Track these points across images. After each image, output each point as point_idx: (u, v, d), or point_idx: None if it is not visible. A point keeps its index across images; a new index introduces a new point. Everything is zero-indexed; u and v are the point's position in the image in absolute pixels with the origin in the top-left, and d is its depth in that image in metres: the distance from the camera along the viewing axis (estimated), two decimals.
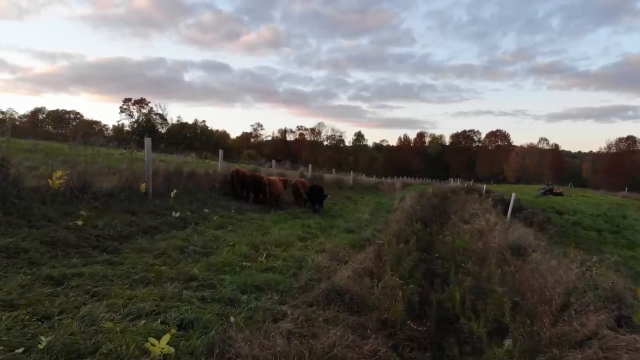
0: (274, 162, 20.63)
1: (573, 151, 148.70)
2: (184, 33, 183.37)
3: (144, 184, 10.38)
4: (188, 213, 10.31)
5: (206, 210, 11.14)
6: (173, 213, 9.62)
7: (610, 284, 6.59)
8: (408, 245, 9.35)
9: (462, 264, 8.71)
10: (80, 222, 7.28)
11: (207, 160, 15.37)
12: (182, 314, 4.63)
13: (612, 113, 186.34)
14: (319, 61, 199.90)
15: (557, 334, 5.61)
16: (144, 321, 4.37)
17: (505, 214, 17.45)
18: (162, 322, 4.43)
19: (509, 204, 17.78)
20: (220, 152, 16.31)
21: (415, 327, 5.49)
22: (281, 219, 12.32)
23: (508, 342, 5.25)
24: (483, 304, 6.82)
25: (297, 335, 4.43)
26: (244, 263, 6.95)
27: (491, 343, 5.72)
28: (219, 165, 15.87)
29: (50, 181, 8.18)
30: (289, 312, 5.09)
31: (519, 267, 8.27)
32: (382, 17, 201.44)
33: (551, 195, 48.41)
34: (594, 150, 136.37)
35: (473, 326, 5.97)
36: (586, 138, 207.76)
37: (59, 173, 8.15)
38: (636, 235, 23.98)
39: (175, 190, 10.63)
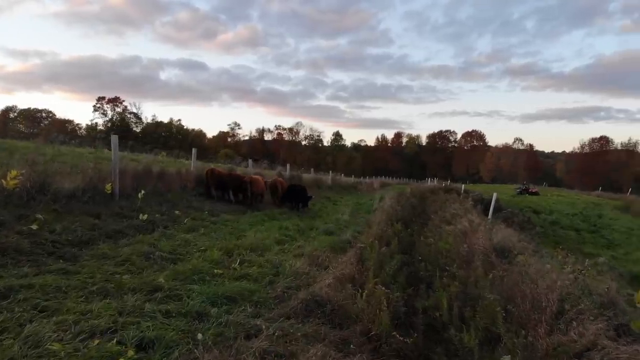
0: (250, 161, 19.99)
1: (547, 151, 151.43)
2: (159, 31, 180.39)
3: (110, 184, 9.70)
4: (157, 215, 9.67)
5: (177, 212, 10.51)
6: (140, 215, 8.98)
7: (606, 290, 6.25)
8: (390, 247, 8.93)
9: (447, 267, 8.31)
10: (35, 227, 6.62)
11: (180, 160, 14.63)
12: (142, 332, 4.10)
13: (584, 114, 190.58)
14: (297, 61, 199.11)
15: (554, 345, 5.22)
16: (97, 341, 3.82)
17: (486, 213, 17.23)
18: (118, 342, 3.89)
19: (489, 203, 17.57)
20: (194, 150, 15.62)
21: (401, 338, 5.03)
22: (258, 220, 11.76)
23: (507, 359, 4.82)
24: (471, 311, 6.40)
25: (273, 355, 3.93)
26: (215, 270, 6.39)
27: (483, 354, 5.31)
28: (192, 164, 15.20)
29: (4, 181, 7.47)
30: (263, 326, 4.57)
31: (506, 270, 7.89)
32: (361, 17, 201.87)
33: (527, 195, 48.66)
34: (567, 151, 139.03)
35: (464, 337, 5.54)
36: (559, 138, 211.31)
37: (13, 173, 7.44)
38: (614, 235, 24.06)
39: (143, 191, 9.98)
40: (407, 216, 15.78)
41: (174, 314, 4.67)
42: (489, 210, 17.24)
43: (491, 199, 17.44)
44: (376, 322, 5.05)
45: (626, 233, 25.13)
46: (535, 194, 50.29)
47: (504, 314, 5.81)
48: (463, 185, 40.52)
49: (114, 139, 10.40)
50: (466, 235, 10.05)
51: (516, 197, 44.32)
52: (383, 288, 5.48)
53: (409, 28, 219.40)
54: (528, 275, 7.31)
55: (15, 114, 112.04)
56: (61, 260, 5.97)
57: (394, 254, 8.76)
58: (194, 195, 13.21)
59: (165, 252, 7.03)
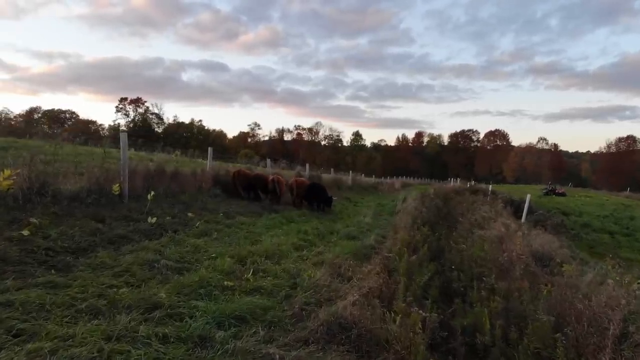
0: (268, 161, 19.28)
1: (570, 151, 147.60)
2: (181, 33, 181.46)
3: (118, 184, 9.08)
4: (168, 218, 9.01)
5: (190, 214, 9.85)
6: (149, 218, 8.35)
7: None
8: (418, 255, 8.12)
9: (483, 277, 7.46)
10: (26, 232, 5.99)
11: (194, 160, 14.05)
12: None
13: (609, 113, 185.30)
14: (317, 61, 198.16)
15: None
16: None
17: (517, 215, 16.26)
18: None
19: (519, 205, 16.62)
20: (210, 149, 14.98)
21: None
22: (275, 223, 11.04)
23: None
24: (517, 331, 5.57)
25: None
26: (225, 282, 5.66)
27: None
28: (208, 164, 14.57)
29: None
30: (277, 356, 3.83)
31: (553, 283, 7.01)
32: (381, 16, 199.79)
33: (554, 196, 47.32)
34: (592, 150, 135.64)
35: None
36: (583, 138, 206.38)
37: (7, 172, 6.84)
38: None
39: (153, 192, 9.33)
40: (433, 219, 14.92)
41: (172, 339, 3.95)
42: (519, 212, 16.28)
43: (520, 200, 16.48)
44: (411, 349, 4.26)
45: None
46: (562, 194, 48.95)
47: (563, 340, 4.95)
48: (490, 186, 39.34)
49: (123, 136, 9.79)
50: (502, 241, 9.17)
51: (543, 198, 42.98)
52: (417, 309, 4.66)
53: (430, 27, 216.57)
54: (579, 289, 6.43)
55: (39, 115, 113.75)
56: (53, 271, 5.30)
57: (423, 262, 7.96)
58: (209, 197, 12.56)
59: (171, 260, 6.34)
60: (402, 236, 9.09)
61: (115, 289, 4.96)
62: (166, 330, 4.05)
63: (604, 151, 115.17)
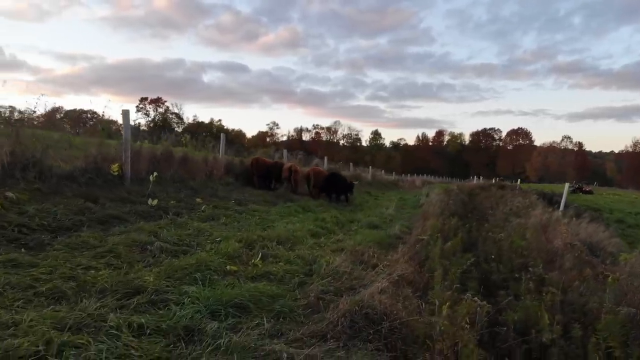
0: (285, 151, 18.34)
1: (594, 151, 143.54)
2: (202, 34, 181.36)
3: (117, 164, 8.28)
4: (172, 202, 8.18)
5: (198, 200, 9.00)
6: (150, 201, 7.51)
7: None
8: (452, 243, 7.11)
9: (529, 268, 6.42)
10: None
11: (204, 151, 13.21)
12: None
13: (633, 112, 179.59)
14: (337, 61, 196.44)
15: None
16: None
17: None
18: None
19: (551, 198, 15.43)
20: (222, 136, 14.14)
21: None
22: (290, 212, 10.12)
23: None
24: (581, 327, 4.54)
25: None
26: (228, 267, 4.75)
27: None
28: (221, 151, 13.71)
29: None
30: (285, 354, 2.90)
31: (611, 272, 5.94)
32: (401, 16, 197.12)
33: (581, 193, 45.71)
34: (616, 150, 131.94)
35: None
36: (607, 138, 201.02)
37: None
38: None
39: (155, 173, 8.49)
40: (461, 211, 13.87)
41: (149, 331, 3.05)
42: (552, 204, 15.10)
43: (552, 193, 15.29)
44: (458, 348, 3.28)
45: None
46: (590, 192, 47.55)
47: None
48: (519, 180, 38.09)
49: (125, 113, 8.98)
50: (545, 229, 8.09)
51: (570, 196, 41.30)
52: (471, 296, 3.66)
53: (450, 26, 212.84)
54: None
55: (61, 115, 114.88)
56: (23, 250, 4.47)
57: (456, 251, 6.96)
58: (221, 184, 11.71)
59: (167, 242, 5.47)
60: (432, 223, 8.08)
61: (93, 271, 4.08)
62: (143, 320, 3.15)
63: (630, 150, 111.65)
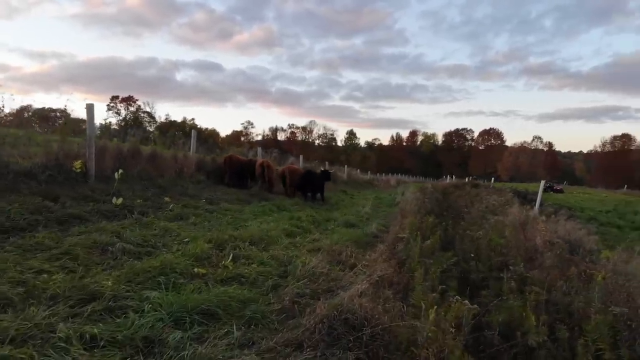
0: (259, 149, 17.93)
1: (563, 151, 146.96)
2: (176, 32, 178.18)
3: (80, 161, 7.81)
4: (138, 201, 7.75)
5: (166, 198, 8.59)
6: (114, 199, 7.08)
7: None
8: (432, 241, 6.90)
9: (510, 266, 6.26)
10: None
11: (176, 149, 12.75)
12: None
13: (602, 113, 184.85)
14: (312, 61, 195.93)
15: None
16: None
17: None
18: None
19: (525, 195, 15.47)
20: (193, 132, 13.68)
21: None
22: (264, 211, 9.78)
23: None
24: (567, 328, 4.37)
25: None
26: (196, 269, 4.42)
27: None
28: (192, 148, 13.25)
29: None
30: None
31: (594, 270, 5.82)
32: (376, 16, 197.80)
33: (552, 192, 46.55)
34: (584, 151, 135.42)
35: None
36: (576, 138, 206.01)
37: None
38: None
39: (121, 170, 8.04)
40: (436, 209, 13.75)
41: (102, 342, 2.71)
42: (527, 202, 15.13)
43: (526, 192, 15.34)
44: (445, 353, 3.02)
45: None
46: (560, 191, 48.51)
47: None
48: (493, 179, 38.56)
49: (90, 108, 8.50)
50: (524, 227, 7.96)
51: (542, 194, 42.01)
52: (459, 298, 3.42)
53: (424, 27, 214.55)
54: (634, 277, 5.26)
55: (30, 114, 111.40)
56: None
57: (435, 250, 6.76)
58: (191, 182, 11.28)
59: (131, 243, 5.09)
60: (411, 220, 7.86)
61: (45, 275, 3.69)
62: (96, 330, 2.81)
63: (599, 150, 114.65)
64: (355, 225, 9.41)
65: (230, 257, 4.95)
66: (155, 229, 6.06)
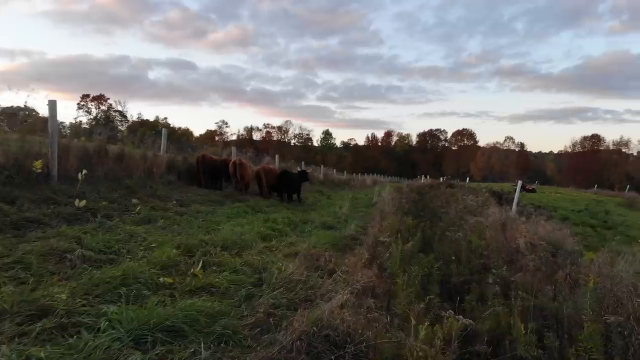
0: (234, 149, 17.47)
1: (534, 151, 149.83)
2: (149, 30, 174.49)
3: (40, 161, 7.32)
4: (104, 203, 7.32)
5: (134, 200, 8.16)
6: (77, 201, 6.63)
7: None
8: (412, 244, 6.67)
9: (493, 270, 6.08)
10: None
11: (145, 148, 12.23)
12: None
13: (572, 114, 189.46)
14: (288, 61, 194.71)
15: None
16: None
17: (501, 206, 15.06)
18: None
19: (501, 196, 15.47)
20: (164, 131, 13.18)
21: None
22: (238, 212, 9.43)
23: None
24: (554, 336, 4.17)
25: None
26: (162, 279, 4.06)
27: None
28: (162, 146, 12.76)
29: None
30: None
31: (578, 273, 5.66)
32: (351, 17, 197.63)
33: (524, 192, 47.14)
34: (554, 151, 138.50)
35: None
36: (547, 139, 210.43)
37: None
38: (632, 231, 22.05)
39: (85, 170, 7.58)
40: (413, 210, 13.60)
41: None
42: (503, 203, 15.12)
43: (502, 192, 15.34)
44: None
45: None
46: (533, 191, 49.06)
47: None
48: (467, 179, 38.87)
49: (51, 104, 8.01)
50: (504, 228, 7.81)
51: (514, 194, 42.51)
52: (452, 312, 3.16)
53: (399, 29, 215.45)
54: (622, 281, 5.11)
55: None
56: None
57: (415, 252, 6.54)
58: (162, 183, 10.83)
59: (92, 250, 4.70)
60: (391, 222, 7.63)
61: None
62: (43, 354, 2.45)
63: (569, 150, 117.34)
64: (333, 227, 9.14)
65: (200, 265, 4.60)
66: (119, 234, 5.65)
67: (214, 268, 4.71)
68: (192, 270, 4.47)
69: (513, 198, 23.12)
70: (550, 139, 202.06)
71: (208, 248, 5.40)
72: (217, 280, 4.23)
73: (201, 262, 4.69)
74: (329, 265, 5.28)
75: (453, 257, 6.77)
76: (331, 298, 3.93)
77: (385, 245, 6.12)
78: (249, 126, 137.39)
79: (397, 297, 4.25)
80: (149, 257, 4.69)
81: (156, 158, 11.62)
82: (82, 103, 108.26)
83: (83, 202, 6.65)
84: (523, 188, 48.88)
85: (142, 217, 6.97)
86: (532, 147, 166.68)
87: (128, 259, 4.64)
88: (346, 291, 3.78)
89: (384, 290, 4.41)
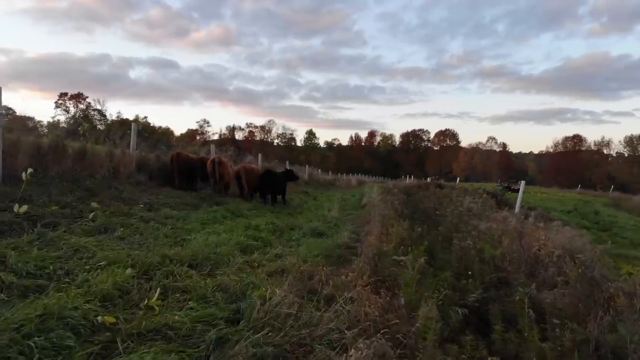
0: (213, 146, 16.18)
1: (514, 152, 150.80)
2: (130, 29, 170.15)
3: None
4: (53, 207, 6.13)
5: (94, 204, 6.96)
6: (16, 207, 5.44)
7: None
8: (423, 259, 5.63)
9: (519, 288, 5.06)
10: None
11: (112, 146, 10.99)
12: None
13: (552, 115, 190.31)
14: (271, 60, 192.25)
15: None
16: None
17: (498, 207, 14.17)
18: None
19: (494, 196, 14.56)
20: (133, 126, 11.90)
21: None
22: (215, 217, 8.26)
23: None
24: None
25: None
26: (99, 318, 2.94)
27: None
28: (131, 144, 11.49)
29: None
30: None
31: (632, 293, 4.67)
32: (335, 17, 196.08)
33: (509, 192, 46.78)
34: (535, 151, 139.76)
35: None
36: (527, 139, 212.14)
37: None
38: (627, 233, 21.48)
39: (30, 170, 6.34)
40: (407, 213, 12.61)
41: None
42: (501, 205, 14.23)
43: (495, 192, 14.43)
44: None
45: (636, 230, 22.70)
46: (517, 191, 48.58)
47: None
48: (458, 179, 38.37)
49: None
50: (522, 236, 6.81)
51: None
52: None
53: (382, 29, 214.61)
54: None
55: None
56: None
57: (426, 268, 5.49)
58: (129, 184, 9.61)
59: (17, 273, 3.55)
60: (396, 230, 6.55)
61: None
62: None
63: (551, 151, 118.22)
64: (324, 233, 8.06)
65: (158, 292, 3.47)
66: (62, 248, 4.49)
67: (177, 296, 3.61)
68: (146, 300, 3.35)
69: (507, 199, 22.42)
70: (530, 139, 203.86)
71: (172, 267, 4.26)
72: (177, 317, 3.10)
73: (158, 289, 3.56)
74: (325, 287, 4.19)
75: (468, 272, 5.75)
76: (333, 341, 2.86)
77: (390, 257, 5.02)
78: (232, 125, 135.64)
79: (423, 338, 3.19)
80: (92, 282, 3.55)
81: (124, 156, 10.37)
82: (60, 102, 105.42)
83: (24, 208, 5.45)
84: (510, 188, 48.72)
85: (97, 225, 5.78)
86: (513, 147, 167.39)
87: (65, 285, 3.51)
88: (359, 342, 2.68)
89: (403, 330, 3.33)
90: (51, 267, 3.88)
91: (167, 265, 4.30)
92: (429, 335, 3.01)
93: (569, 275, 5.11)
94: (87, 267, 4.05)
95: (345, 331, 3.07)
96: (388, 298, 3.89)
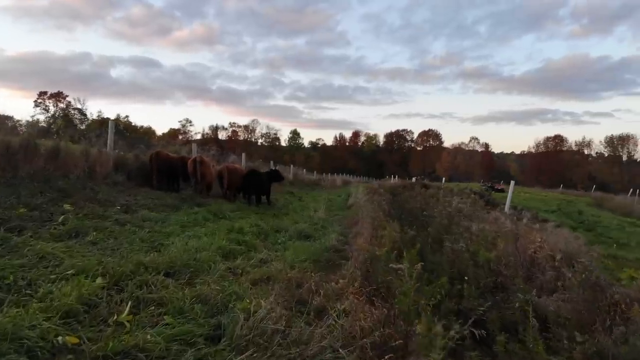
0: (194, 145, 15.69)
1: (496, 152, 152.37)
2: (111, 27, 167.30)
3: None
4: (21, 210, 5.70)
5: (67, 206, 6.54)
6: None
7: None
8: (420, 266, 5.33)
9: (519, 294, 4.80)
10: None
11: (88, 145, 10.50)
12: None
13: (533, 116, 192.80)
14: (254, 60, 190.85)
15: None
16: None
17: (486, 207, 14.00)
18: None
19: (482, 196, 14.38)
20: (111, 124, 11.40)
21: None
22: (196, 220, 7.87)
23: None
24: None
25: None
26: (60, 338, 2.57)
27: None
28: (108, 143, 11.00)
29: None
30: None
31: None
32: (318, 17, 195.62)
33: (493, 192, 47.01)
34: (516, 151, 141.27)
35: None
36: (508, 139, 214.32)
37: None
38: (612, 232, 21.53)
39: None
40: (395, 213, 12.35)
41: None
42: (490, 205, 14.07)
43: (482, 193, 14.26)
44: None
45: (621, 230, 22.78)
46: (501, 191, 48.97)
47: None
48: (444, 179, 38.44)
49: None
50: (518, 238, 6.57)
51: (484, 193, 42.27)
52: None
53: (366, 30, 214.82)
54: None
55: None
56: None
57: (421, 273, 5.20)
58: (106, 184, 9.15)
59: None
60: (389, 233, 6.23)
61: None
62: None
63: (533, 151, 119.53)
64: (311, 236, 7.73)
65: (128, 307, 3.10)
66: (26, 255, 4.08)
67: (152, 309, 3.24)
68: (116, 316, 2.98)
69: (494, 199, 22.34)
70: (512, 140, 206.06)
71: (147, 276, 3.89)
72: (148, 336, 2.74)
73: (130, 302, 3.19)
74: (315, 297, 3.86)
75: (463, 277, 5.47)
76: None
77: (384, 263, 4.70)
78: (215, 125, 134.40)
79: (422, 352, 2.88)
80: (55, 296, 3.16)
81: (101, 155, 9.89)
82: (39, 101, 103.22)
83: None
84: (493, 188, 48.97)
85: (68, 228, 5.35)
86: (495, 147, 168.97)
87: (26, 298, 3.13)
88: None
89: (401, 341, 3.02)
90: (11, 277, 3.48)
91: (141, 273, 3.93)
92: (433, 353, 2.70)
93: (570, 279, 4.87)
94: (53, 276, 3.66)
95: (340, 350, 2.75)
96: (385, 310, 3.58)
